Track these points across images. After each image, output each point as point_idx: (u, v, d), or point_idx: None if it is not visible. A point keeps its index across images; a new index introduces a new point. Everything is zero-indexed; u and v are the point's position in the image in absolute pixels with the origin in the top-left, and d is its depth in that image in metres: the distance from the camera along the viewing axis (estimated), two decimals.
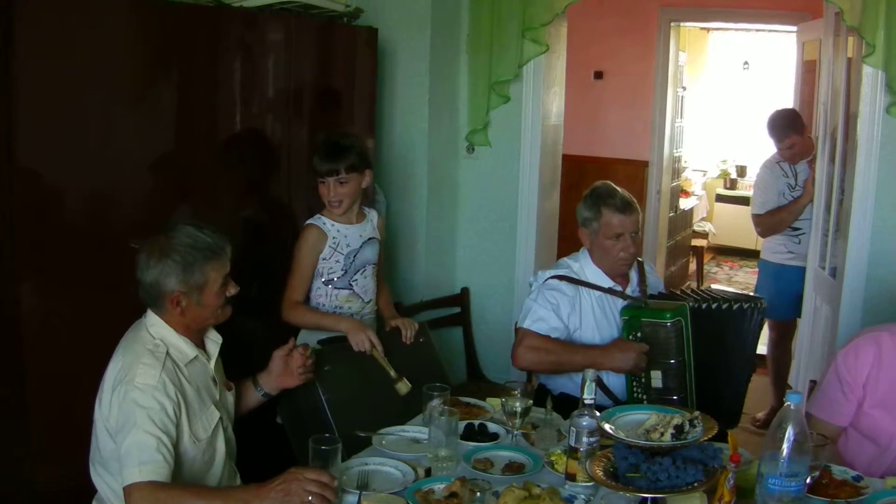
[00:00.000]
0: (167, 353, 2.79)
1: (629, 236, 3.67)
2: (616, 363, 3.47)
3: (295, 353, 3.26)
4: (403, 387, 3.57)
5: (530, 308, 3.71)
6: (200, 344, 2.98)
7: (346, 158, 3.74)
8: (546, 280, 3.75)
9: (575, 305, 3.69)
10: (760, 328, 3.70)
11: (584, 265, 3.78)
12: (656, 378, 3.50)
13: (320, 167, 3.73)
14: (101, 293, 3.27)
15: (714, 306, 3.60)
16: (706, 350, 3.55)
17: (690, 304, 3.54)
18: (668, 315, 3.47)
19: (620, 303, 3.69)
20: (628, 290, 3.78)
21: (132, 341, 2.82)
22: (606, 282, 3.74)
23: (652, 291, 3.82)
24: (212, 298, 2.91)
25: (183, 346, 2.87)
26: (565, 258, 3.90)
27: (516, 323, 3.79)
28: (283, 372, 3.26)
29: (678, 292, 3.85)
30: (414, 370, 3.63)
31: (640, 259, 3.89)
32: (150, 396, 2.66)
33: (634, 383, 3.56)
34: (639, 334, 3.52)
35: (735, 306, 3.61)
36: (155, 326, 2.85)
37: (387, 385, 3.58)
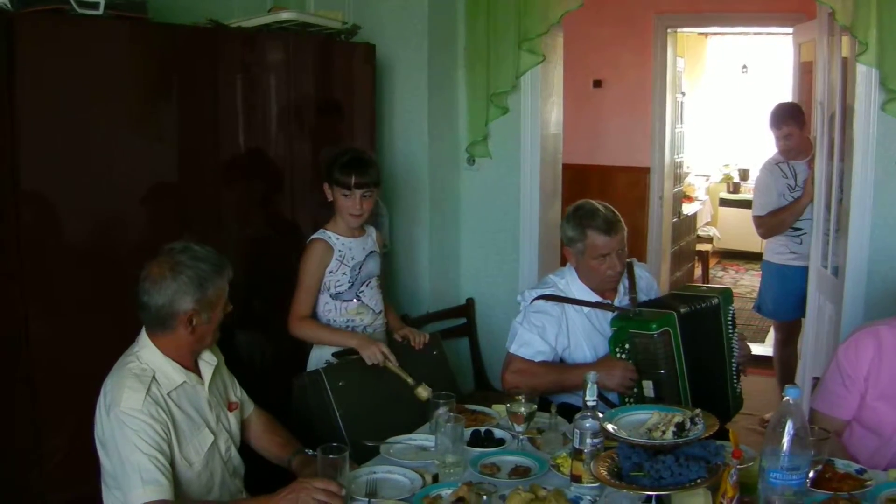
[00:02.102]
0: (153, 377, 2.78)
1: (615, 255, 3.67)
2: (601, 382, 3.38)
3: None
4: (424, 391, 3.55)
5: (516, 331, 3.74)
6: (194, 367, 2.97)
7: (374, 172, 3.84)
8: (532, 301, 3.76)
9: (562, 325, 3.70)
10: (728, 317, 3.69)
11: (570, 281, 3.79)
12: (648, 388, 3.50)
13: (347, 180, 3.75)
14: (109, 316, 3.28)
15: (703, 306, 3.59)
16: (703, 351, 3.55)
17: (682, 310, 3.51)
18: (654, 326, 3.44)
19: (611, 313, 3.69)
20: (617, 299, 3.79)
21: (120, 366, 2.82)
22: (593, 296, 3.75)
23: (645, 294, 3.84)
24: (218, 315, 2.92)
25: (171, 372, 2.84)
26: (551, 275, 3.91)
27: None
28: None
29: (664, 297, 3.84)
30: (426, 381, 3.64)
31: (629, 261, 3.88)
32: (138, 419, 2.67)
33: (627, 392, 3.56)
34: (627, 346, 3.51)
35: (714, 301, 3.62)
36: (145, 350, 2.83)
37: (402, 397, 3.60)
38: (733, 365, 3.70)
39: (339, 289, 3.85)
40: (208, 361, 3.02)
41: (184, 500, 2.75)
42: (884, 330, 3.20)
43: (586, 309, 3.74)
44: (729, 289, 3.79)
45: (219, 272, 2.88)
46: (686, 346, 3.47)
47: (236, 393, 3.20)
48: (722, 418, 3.61)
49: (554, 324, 3.69)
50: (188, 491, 2.82)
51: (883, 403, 3.16)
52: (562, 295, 3.76)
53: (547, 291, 3.78)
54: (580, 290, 3.76)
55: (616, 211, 3.75)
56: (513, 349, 3.72)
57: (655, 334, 3.44)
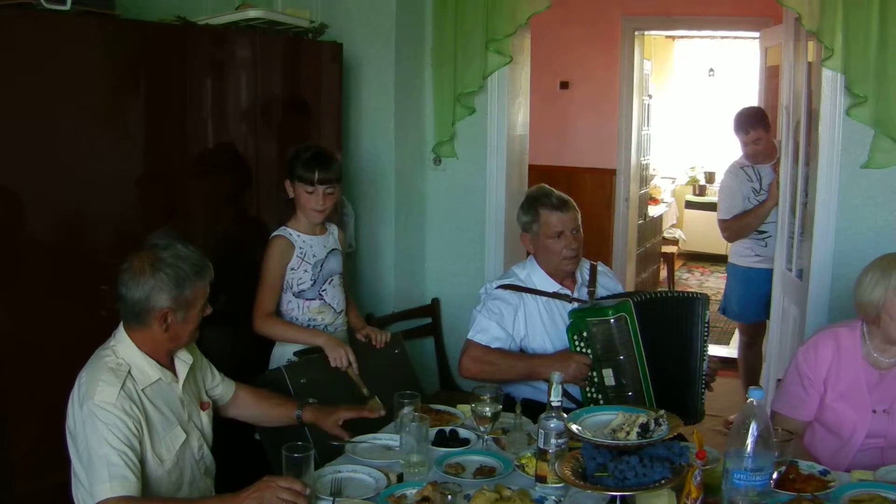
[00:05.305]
0: (129, 372, 2.76)
1: (570, 233, 3.73)
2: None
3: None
4: (375, 405, 3.60)
5: (475, 318, 3.78)
6: (169, 364, 2.95)
7: (337, 168, 3.84)
8: (493, 290, 3.81)
9: (518, 313, 3.74)
10: (704, 320, 3.64)
11: (531, 272, 3.84)
12: (608, 376, 3.51)
13: (310, 176, 3.75)
14: (76, 309, 3.28)
15: (656, 295, 3.64)
16: (661, 342, 3.56)
17: (635, 298, 3.56)
18: (611, 312, 3.47)
19: (570, 306, 3.74)
20: (576, 289, 3.84)
21: (96, 359, 2.80)
22: (553, 286, 3.80)
23: (605, 293, 3.87)
24: (195, 316, 2.91)
25: (146, 368, 2.83)
26: (513, 267, 3.95)
27: None
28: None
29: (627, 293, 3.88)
30: (389, 381, 3.66)
31: (594, 263, 3.96)
32: (111, 413, 2.65)
33: (587, 384, 3.57)
34: (585, 334, 3.53)
35: (673, 294, 3.65)
36: (122, 345, 2.82)
37: (360, 401, 3.61)
38: (703, 369, 3.65)
39: (302, 286, 3.84)
40: (184, 360, 3.00)
41: (150, 498, 2.73)
42: (843, 332, 3.24)
43: (544, 299, 3.77)
44: (706, 295, 3.79)
45: (199, 273, 2.87)
46: (644, 333, 3.50)
47: (214, 379, 3.22)
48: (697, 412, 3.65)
49: (511, 311, 3.74)
50: (158, 488, 2.80)
51: (842, 404, 3.19)
52: (521, 285, 3.80)
53: (507, 281, 3.83)
54: (540, 280, 3.81)
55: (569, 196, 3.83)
56: (470, 335, 3.76)
57: (612, 320, 3.47)
